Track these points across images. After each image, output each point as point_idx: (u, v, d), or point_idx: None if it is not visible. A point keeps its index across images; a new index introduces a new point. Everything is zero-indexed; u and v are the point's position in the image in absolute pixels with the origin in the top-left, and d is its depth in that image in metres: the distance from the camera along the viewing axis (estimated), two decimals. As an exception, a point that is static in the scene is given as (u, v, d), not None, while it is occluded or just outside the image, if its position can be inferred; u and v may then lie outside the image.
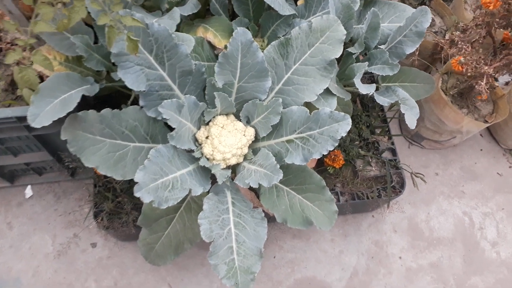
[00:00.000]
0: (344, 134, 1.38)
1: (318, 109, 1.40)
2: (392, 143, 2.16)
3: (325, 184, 1.61)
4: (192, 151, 1.49)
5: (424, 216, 2.36)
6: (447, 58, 2.30)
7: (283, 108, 1.44)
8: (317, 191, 1.58)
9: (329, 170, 1.89)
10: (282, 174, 1.33)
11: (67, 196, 2.24)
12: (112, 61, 1.32)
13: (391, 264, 2.08)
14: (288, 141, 1.47)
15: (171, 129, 1.39)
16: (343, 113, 1.37)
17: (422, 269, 2.10)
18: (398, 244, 2.16)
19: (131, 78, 1.36)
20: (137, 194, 1.19)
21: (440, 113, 2.27)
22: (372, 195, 1.99)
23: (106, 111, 1.45)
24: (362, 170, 2.05)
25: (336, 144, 1.38)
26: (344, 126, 1.36)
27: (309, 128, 1.40)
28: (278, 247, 2.18)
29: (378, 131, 2.21)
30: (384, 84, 1.98)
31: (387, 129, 2.19)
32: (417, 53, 2.28)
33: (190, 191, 1.32)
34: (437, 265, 2.10)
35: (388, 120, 2.25)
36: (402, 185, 2.12)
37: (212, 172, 1.41)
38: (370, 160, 2.08)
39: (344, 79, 1.84)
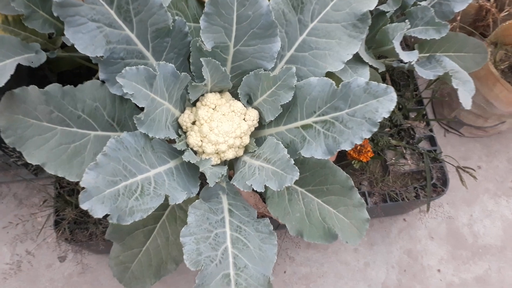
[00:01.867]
0: (386, 115, 0.97)
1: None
2: (431, 130, 1.75)
3: (353, 184, 1.23)
4: (174, 141, 1.09)
5: (466, 219, 1.96)
6: (496, 24, 1.86)
7: (297, 81, 1.02)
8: (342, 193, 1.21)
9: (354, 165, 1.47)
10: (298, 173, 0.92)
11: (30, 199, 1.85)
12: (55, 14, 0.91)
13: (428, 278, 1.70)
14: (305, 127, 1.06)
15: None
16: (384, 85, 0.96)
17: (466, 285, 1.72)
18: (435, 254, 1.79)
19: (84, 39, 0.96)
20: (84, 206, 0.80)
21: (488, 92, 1.84)
22: (409, 196, 1.57)
23: (53, 87, 1.06)
24: (394, 164, 1.64)
25: (375, 130, 0.97)
26: (386, 103, 0.95)
27: (334, 107, 0.99)
28: (289, 260, 1.77)
29: (412, 115, 1.79)
30: (423, 53, 1.55)
31: (424, 113, 1.77)
32: (459, 17, 1.84)
33: (167, 198, 0.92)
34: (484, 279, 1.72)
35: (425, 101, 1.83)
36: (444, 182, 1.71)
37: (201, 170, 1.01)
38: (404, 152, 1.66)
39: (373, 47, 1.42)
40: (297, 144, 1.11)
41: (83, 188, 0.83)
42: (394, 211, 1.89)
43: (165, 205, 1.12)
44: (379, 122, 1.01)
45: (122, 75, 0.91)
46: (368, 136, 1.02)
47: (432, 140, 1.80)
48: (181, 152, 1.11)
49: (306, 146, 1.08)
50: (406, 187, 1.62)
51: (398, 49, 1.19)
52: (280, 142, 1.04)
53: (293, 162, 0.97)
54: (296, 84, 1.07)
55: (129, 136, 0.98)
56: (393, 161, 1.66)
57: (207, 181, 1.04)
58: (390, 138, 1.73)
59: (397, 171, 1.67)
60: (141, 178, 0.98)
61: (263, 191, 1.01)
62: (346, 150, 1.05)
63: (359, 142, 1.02)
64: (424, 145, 1.76)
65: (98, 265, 1.75)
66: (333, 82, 1.03)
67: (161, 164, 1.07)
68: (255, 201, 1.46)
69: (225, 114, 1.13)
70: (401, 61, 1.62)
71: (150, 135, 1.00)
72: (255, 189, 1.01)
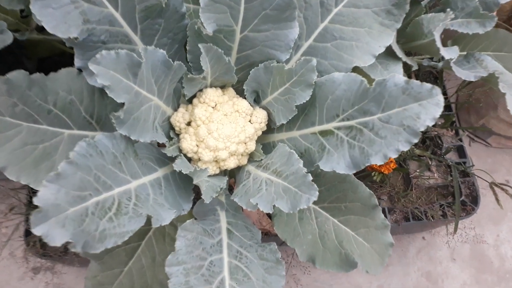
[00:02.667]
0: (430, 123, 0.78)
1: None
2: (460, 139, 1.54)
3: (376, 203, 1.05)
4: (164, 146, 0.88)
5: (492, 240, 1.74)
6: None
7: (317, 77, 0.82)
8: (363, 212, 1.03)
9: (373, 177, 1.27)
10: (317, 193, 0.72)
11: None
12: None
13: (450, 307, 1.48)
14: (325, 133, 0.86)
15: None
16: (429, 85, 0.76)
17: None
18: (458, 277, 1.61)
19: (54, 16, 0.77)
20: (36, 230, 0.60)
21: (525, 98, 1.62)
22: (434, 214, 1.37)
23: (17, 74, 0.87)
24: (418, 177, 1.43)
25: (415, 141, 0.77)
26: (431, 108, 0.76)
27: (364, 111, 0.79)
28: (294, 281, 1.59)
29: (439, 121, 1.59)
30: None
31: (453, 120, 1.56)
32: (495, 13, 1.63)
33: (149, 219, 0.72)
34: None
35: (453, 106, 1.63)
36: (474, 199, 1.51)
37: (195, 182, 0.81)
38: (430, 163, 1.45)
39: (403, 42, 1.21)
40: (314, 154, 0.91)
41: (36, 206, 0.63)
42: (413, 229, 1.69)
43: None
44: (421, 131, 0.80)
45: (97, 61, 0.71)
46: (406, 148, 0.82)
47: (460, 151, 1.59)
48: (172, 159, 0.91)
49: (326, 157, 0.88)
50: (432, 204, 1.41)
51: (438, 43, 0.98)
52: (294, 152, 0.84)
53: (310, 178, 0.78)
54: (316, 81, 0.87)
55: (105, 139, 0.78)
56: (417, 173, 1.46)
57: (202, 196, 0.83)
58: (413, 147, 1.52)
59: (421, 185, 1.47)
60: (119, 191, 0.78)
61: (271, 211, 0.80)
62: (380, 164, 0.84)
63: (393, 156, 0.82)
64: (451, 156, 1.55)
65: (76, 280, 1.55)
66: (364, 79, 0.82)
67: (146, 173, 0.87)
68: (259, 216, 1.26)
69: (227, 114, 0.93)
70: (432, 59, 1.41)
71: (133, 138, 0.80)
72: (262, 209, 0.81)
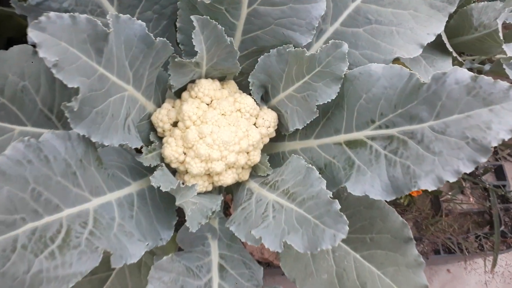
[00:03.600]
0: (506, 136, 0.54)
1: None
2: (499, 159, 1.32)
3: (410, 235, 0.86)
4: (139, 151, 0.67)
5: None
6: None
7: (348, 69, 0.61)
8: (393, 246, 0.84)
9: (400, 200, 1.05)
10: (347, 227, 0.50)
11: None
12: None
13: None
14: (353, 144, 0.66)
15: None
16: (505, 84, 0.54)
17: None
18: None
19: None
20: None
21: None
22: (469, 246, 1.14)
23: None
24: (449, 201, 1.21)
25: (484, 159, 0.55)
26: (506, 116, 0.53)
27: (410, 116, 0.58)
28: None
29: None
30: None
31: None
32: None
33: (108, 256, 0.49)
34: None
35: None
36: (515, 230, 1.27)
37: (177, 203, 0.59)
38: (463, 185, 1.23)
39: (447, 36, 0.99)
40: (338, 172, 0.70)
41: None
42: (437, 260, 1.46)
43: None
44: (492, 147, 0.58)
45: (40, 25, 0.50)
46: (469, 169, 0.61)
47: (499, 172, 1.38)
48: (151, 170, 0.69)
49: (355, 176, 0.67)
50: (466, 234, 1.18)
51: (500, 35, 0.77)
52: (314, 168, 0.62)
53: (338, 207, 0.56)
54: (346, 74, 0.65)
55: (55, 139, 0.57)
56: (448, 196, 1.23)
57: (187, 223, 0.61)
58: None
59: (452, 210, 1.24)
60: (70, 214, 0.56)
61: (280, 250, 0.58)
62: (432, 190, 0.63)
63: (451, 179, 0.61)
64: (488, 178, 1.33)
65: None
66: (415, 73, 0.61)
67: (114, 188, 0.66)
68: (261, 246, 1.04)
69: (226, 114, 0.71)
70: (473, 60, 1.20)
71: (94, 140, 0.58)
72: (267, 246, 0.59)
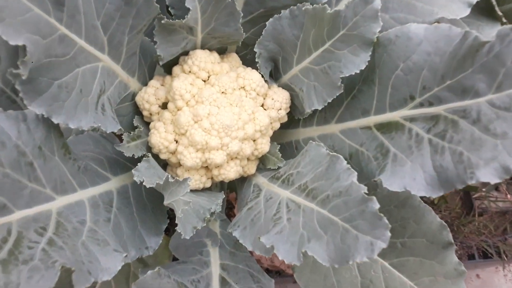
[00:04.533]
0: None
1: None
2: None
3: (450, 239, 0.73)
4: (120, 138, 0.53)
5: None
6: None
7: (380, 31, 0.46)
8: (428, 252, 0.72)
9: (429, 198, 0.90)
10: (388, 233, 0.35)
11: None
12: None
13: None
14: (387, 127, 0.53)
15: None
16: None
17: None
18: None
19: None
20: None
21: None
22: (507, 250, 1.00)
23: None
24: (484, 199, 1.06)
25: None
26: None
27: (462, 88, 0.46)
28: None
29: None
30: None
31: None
32: None
33: (70, 273, 0.36)
34: None
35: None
36: (559, 231, 1.13)
37: (166, 202, 0.45)
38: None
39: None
40: (367, 162, 0.58)
41: None
42: (470, 265, 1.31)
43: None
44: None
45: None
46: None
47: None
48: (136, 162, 0.55)
49: (391, 167, 0.54)
50: (504, 236, 1.04)
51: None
52: (340, 156, 0.48)
53: (376, 206, 0.41)
54: (379, 37, 0.51)
55: (3, 120, 0.44)
56: (483, 193, 1.09)
57: (178, 228, 0.48)
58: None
59: (486, 208, 1.10)
60: (22, 217, 0.44)
61: (298, 263, 0.45)
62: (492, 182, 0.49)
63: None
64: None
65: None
66: (470, 30, 0.47)
67: (87, 184, 0.54)
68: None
69: (227, 92, 0.58)
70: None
71: (56, 121, 0.45)
72: (281, 257, 0.45)
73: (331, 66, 0.58)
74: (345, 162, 0.50)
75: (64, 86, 0.48)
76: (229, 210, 1.01)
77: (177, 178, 0.51)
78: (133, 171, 0.55)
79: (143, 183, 0.51)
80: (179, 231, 0.52)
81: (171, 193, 0.53)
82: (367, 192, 0.45)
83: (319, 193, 0.51)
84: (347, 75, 0.56)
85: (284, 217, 0.53)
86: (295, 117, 0.70)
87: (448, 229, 0.75)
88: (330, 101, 0.60)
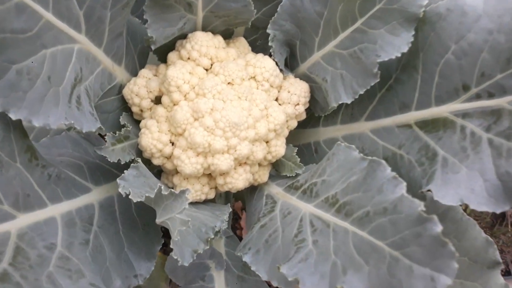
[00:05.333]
0: None
1: None
2: None
3: (498, 258, 0.63)
4: (101, 139, 0.42)
5: None
6: None
7: (427, 4, 0.35)
8: (470, 273, 0.62)
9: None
10: (456, 266, 0.23)
11: None
12: None
13: None
14: (433, 125, 0.47)
15: None
16: None
17: None
18: None
19: None
20: None
21: None
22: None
23: None
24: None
25: None
26: None
27: None
28: None
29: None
30: None
31: None
32: None
33: None
34: None
35: None
36: None
37: (158, 220, 0.33)
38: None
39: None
40: (408, 168, 0.50)
41: None
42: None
43: None
44: None
45: None
46: None
47: None
48: (123, 168, 0.44)
49: (441, 175, 0.46)
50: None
51: None
52: (381, 161, 0.37)
53: (438, 228, 0.30)
54: (425, 11, 0.40)
55: None
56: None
57: (174, 254, 0.37)
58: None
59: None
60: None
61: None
62: None
63: None
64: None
65: None
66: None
67: (61, 197, 0.45)
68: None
69: (234, 83, 0.48)
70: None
71: (14, 117, 0.34)
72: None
73: (363, 49, 0.48)
74: (389, 168, 0.39)
75: (25, 72, 0.38)
76: (235, 221, 0.90)
77: (172, 190, 0.41)
78: (118, 180, 0.44)
79: (130, 196, 0.41)
80: (175, 257, 0.41)
81: (165, 209, 0.42)
82: (424, 209, 0.35)
83: (355, 209, 0.40)
84: (385, 59, 0.46)
85: (309, 239, 0.42)
86: (315, 114, 0.59)
87: (495, 246, 0.65)
88: (362, 92, 0.49)
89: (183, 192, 0.40)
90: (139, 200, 0.41)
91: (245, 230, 0.93)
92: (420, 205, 0.35)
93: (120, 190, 0.43)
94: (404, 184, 0.39)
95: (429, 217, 0.34)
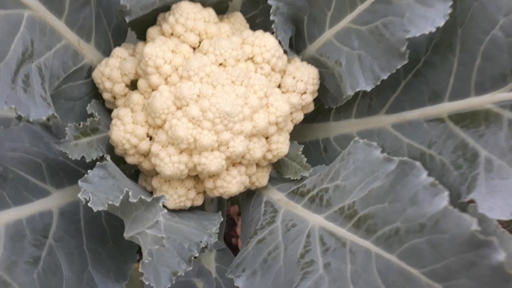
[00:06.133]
0: None
1: None
2: None
3: None
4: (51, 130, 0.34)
5: None
6: None
7: None
8: None
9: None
10: None
11: None
12: None
13: None
14: (469, 119, 0.35)
15: None
16: None
17: None
18: None
19: None
20: None
21: None
22: None
23: None
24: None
25: None
26: None
27: None
28: None
29: None
30: None
31: None
32: None
33: None
34: None
35: None
36: None
37: (127, 235, 0.24)
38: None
39: None
40: (443, 171, 0.43)
41: None
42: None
43: None
44: None
45: None
46: None
47: None
48: (91, 167, 0.36)
49: (485, 181, 0.36)
50: None
51: None
52: (415, 162, 0.28)
53: (500, 255, 0.21)
54: None
55: None
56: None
57: (145, 278, 0.28)
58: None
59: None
60: None
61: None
62: None
63: None
64: None
65: None
66: None
67: (8, 203, 0.35)
68: None
69: (227, 64, 0.40)
70: None
71: None
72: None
73: (388, 23, 0.39)
74: (426, 172, 0.31)
75: None
76: (230, 228, 0.81)
77: (142, 197, 0.32)
78: (80, 182, 0.36)
79: (89, 204, 0.32)
80: (147, 282, 0.33)
81: (135, 221, 0.33)
82: (478, 228, 0.26)
83: (380, 224, 0.32)
84: (416, 35, 0.37)
85: (319, 261, 0.34)
86: (324, 106, 0.50)
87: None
88: (385, 77, 0.40)
89: (156, 200, 0.31)
90: (100, 209, 0.33)
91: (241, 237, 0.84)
92: (472, 223, 0.27)
93: (79, 195, 0.34)
94: (446, 193, 0.30)
95: (487, 240, 0.26)
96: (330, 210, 0.38)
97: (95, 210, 0.32)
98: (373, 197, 0.34)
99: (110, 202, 0.31)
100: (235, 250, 0.86)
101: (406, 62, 0.40)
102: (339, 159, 0.41)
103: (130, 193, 0.32)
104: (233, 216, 0.86)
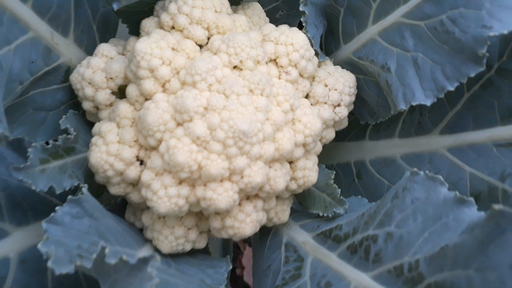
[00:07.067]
0: None
1: None
2: None
3: None
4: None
5: None
6: None
7: None
8: None
9: None
10: None
11: None
12: None
13: None
14: None
15: None
16: None
17: None
18: None
19: None
20: None
21: None
22: None
23: None
24: None
25: None
26: None
27: None
28: None
29: None
30: None
31: None
32: None
33: None
34: None
35: None
36: None
37: None
38: None
39: None
40: None
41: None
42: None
43: None
44: None
45: None
46: None
47: None
48: (60, 195, 0.26)
49: None
50: None
51: None
52: None
53: None
54: None
55: None
56: None
57: None
58: None
59: None
60: None
61: None
62: None
63: None
64: None
65: None
66: None
67: None
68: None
69: (244, 67, 0.29)
70: None
71: None
72: None
73: (457, 18, 0.31)
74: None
75: None
76: (234, 257, 0.72)
77: (124, 257, 0.23)
78: (43, 224, 0.27)
79: (49, 263, 0.23)
80: None
81: (115, 285, 0.24)
82: None
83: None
84: (504, 32, 0.28)
85: None
86: (360, 121, 0.41)
87: None
88: (452, 88, 0.31)
89: (144, 261, 0.22)
90: (64, 271, 0.23)
91: (247, 269, 0.75)
92: None
93: (39, 246, 0.25)
94: None
95: None
96: (380, 268, 0.29)
97: (57, 272, 0.23)
98: (449, 258, 0.24)
99: (78, 263, 0.22)
100: (239, 282, 0.76)
101: (483, 69, 0.30)
102: (390, 196, 0.32)
103: (106, 251, 0.23)
104: (239, 244, 0.77)
